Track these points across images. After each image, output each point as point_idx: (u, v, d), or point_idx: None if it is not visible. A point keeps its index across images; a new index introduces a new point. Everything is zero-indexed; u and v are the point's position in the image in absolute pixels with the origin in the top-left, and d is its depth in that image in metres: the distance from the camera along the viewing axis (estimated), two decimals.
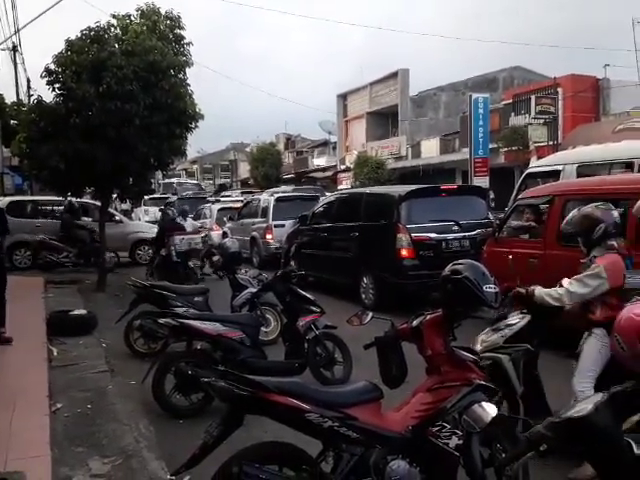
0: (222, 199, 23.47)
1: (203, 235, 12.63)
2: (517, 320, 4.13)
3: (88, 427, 4.65)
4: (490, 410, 2.73)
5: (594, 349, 3.88)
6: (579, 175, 8.52)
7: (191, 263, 11.36)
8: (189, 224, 13.69)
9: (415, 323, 3.34)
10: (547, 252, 6.47)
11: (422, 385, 3.25)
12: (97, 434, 4.50)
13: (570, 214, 4.39)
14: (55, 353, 6.70)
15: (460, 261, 3.30)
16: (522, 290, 4.15)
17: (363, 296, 9.45)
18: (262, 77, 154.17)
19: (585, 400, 2.09)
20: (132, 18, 10.89)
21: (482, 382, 3.18)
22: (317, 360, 5.51)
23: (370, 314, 3.77)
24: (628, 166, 7.95)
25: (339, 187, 33.64)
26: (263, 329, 6.54)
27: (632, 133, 15.88)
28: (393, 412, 3.17)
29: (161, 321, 5.33)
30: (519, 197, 7.61)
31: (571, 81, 21.59)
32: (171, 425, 4.87)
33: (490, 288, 3.10)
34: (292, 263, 11.28)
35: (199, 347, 5.42)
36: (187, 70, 11.17)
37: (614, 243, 4.02)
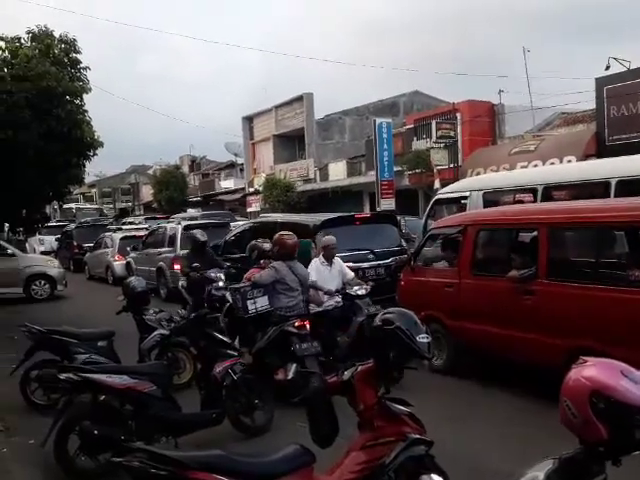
0: (125, 227, 22.23)
1: None
2: None
3: None
4: None
5: None
6: (485, 201, 8.74)
7: None
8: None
9: (346, 376, 3.16)
10: (462, 281, 6.54)
11: (355, 443, 3.07)
12: None
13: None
14: None
15: (390, 310, 3.17)
16: None
17: None
18: (163, 100, 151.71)
19: (536, 467, 1.98)
20: (22, 41, 10.21)
21: (418, 436, 3.04)
22: (236, 407, 5.20)
23: (294, 366, 3.55)
24: (531, 192, 8.21)
25: (248, 210, 33.34)
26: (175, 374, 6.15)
27: (526, 155, 16.77)
28: (326, 476, 2.96)
29: (62, 377, 4.82)
30: (432, 226, 7.68)
31: (468, 106, 22.57)
32: None
33: (423, 338, 2.99)
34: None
35: (105, 399, 4.95)
36: (85, 95, 10.59)
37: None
